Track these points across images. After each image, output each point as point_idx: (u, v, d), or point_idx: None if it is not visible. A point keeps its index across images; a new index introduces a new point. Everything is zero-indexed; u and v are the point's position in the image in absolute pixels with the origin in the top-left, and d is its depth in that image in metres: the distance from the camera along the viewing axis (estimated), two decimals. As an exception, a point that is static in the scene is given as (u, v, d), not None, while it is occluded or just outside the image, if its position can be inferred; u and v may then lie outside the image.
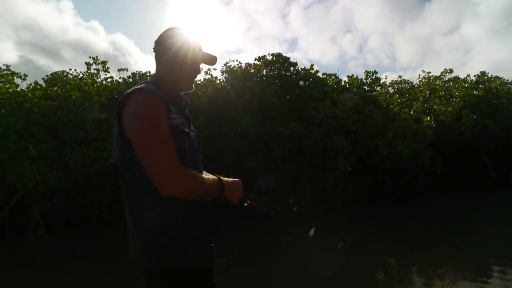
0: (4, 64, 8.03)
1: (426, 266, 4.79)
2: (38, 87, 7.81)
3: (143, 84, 1.02)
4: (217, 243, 1.13)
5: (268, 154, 8.58)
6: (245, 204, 1.19)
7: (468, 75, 14.51)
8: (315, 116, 8.87)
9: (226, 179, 1.12)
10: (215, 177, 1.08)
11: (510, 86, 14.08)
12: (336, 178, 9.41)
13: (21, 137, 6.18)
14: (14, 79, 7.68)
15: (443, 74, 15.20)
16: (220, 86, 8.91)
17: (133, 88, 0.99)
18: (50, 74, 9.16)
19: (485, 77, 13.70)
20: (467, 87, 12.85)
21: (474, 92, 12.38)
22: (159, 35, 1.15)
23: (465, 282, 4.13)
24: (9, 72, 7.72)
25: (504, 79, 14.38)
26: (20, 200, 6.62)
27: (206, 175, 1.07)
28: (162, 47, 1.11)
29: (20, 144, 6.07)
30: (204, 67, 10.76)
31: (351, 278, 4.30)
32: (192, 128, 1.17)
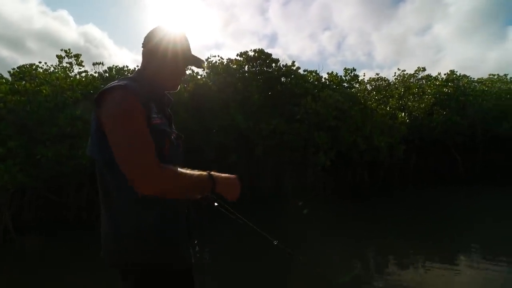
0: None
1: (403, 256, 5.08)
2: (4, 81, 7.30)
3: (123, 81, 1.00)
4: (213, 243, 1.12)
5: (251, 149, 8.62)
6: (216, 204, 1.12)
7: (439, 73, 15.32)
8: (296, 112, 9.01)
9: (218, 174, 1.07)
10: (204, 172, 1.04)
11: (476, 84, 15.05)
12: (316, 173, 9.65)
13: (-14, 134, 5.78)
14: (-24, 72, 7.11)
15: (417, 72, 15.94)
16: (201, 82, 8.80)
17: (112, 84, 0.97)
18: (17, 67, 8.58)
19: (454, 76, 14.53)
20: (438, 84, 13.58)
21: (444, 89, 13.11)
22: (150, 31, 1.13)
23: (441, 269, 4.42)
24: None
25: (471, 78, 15.36)
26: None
27: (192, 171, 1.03)
28: (153, 45, 1.09)
29: (-15, 141, 5.68)
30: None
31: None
32: (173, 127, 1.16)
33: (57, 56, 8.71)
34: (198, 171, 1.05)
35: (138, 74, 1.11)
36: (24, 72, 8.38)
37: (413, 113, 12.36)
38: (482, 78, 15.82)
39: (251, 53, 9.88)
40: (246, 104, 8.80)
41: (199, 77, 9.33)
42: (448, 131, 12.08)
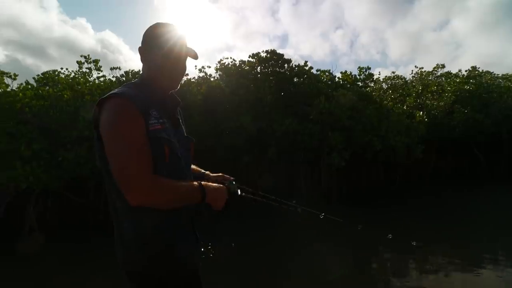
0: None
1: (421, 260, 4.90)
2: (29, 87, 7.68)
3: (121, 88, 1.00)
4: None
5: (264, 150, 8.61)
6: (239, 193, 1.17)
7: (460, 70, 14.73)
8: (309, 112, 8.92)
9: (209, 184, 1.07)
10: (195, 183, 1.03)
11: (500, 80, 14.32)
12: (331, 174, 9.50)
13: (13, 137, 6.09)
14: (4, 79, 7.54)
15: (436, 69, 15.38)
16: (214, 84, 8.89)
17: (109, 93, 0.96)
18: (41, 74, 9.02)
19: (476, 72, 13.90)
20: (459, 82, 13.03)
21: (466, 87, 12.56)
22: (145, 31, 1.09)
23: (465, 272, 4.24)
24: (-2, 72, 7.57)
25: (494, 74, 14.63)
26: (14, 201, 6.54)
27: (185, 182, 1.01)
28: (154, 44, 1.05)
29: (12, 145, 5.99)
30: (198, 65, 10.65)
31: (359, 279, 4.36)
32: (183, 129, 1.15)
33: (77, 62, 9.06)
34: (191, 181, 1.04)
35: (140, 79, 1.10)
36: (48, 78, 8.79)
37: (432, 112, 11.92)
38: (507, 74, 15.04)
39: (263, 54, 9.89)
40: (258, 105, 8.81)
41: (212, 79, 9.44)
42: (470, 130, 11.55)
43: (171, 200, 0.96)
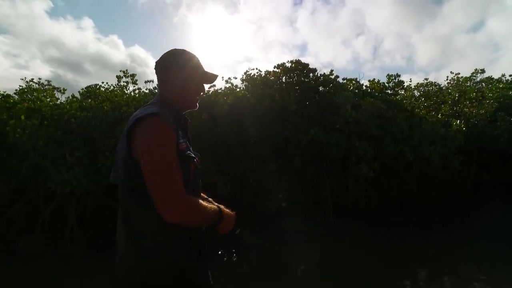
0: (46, 80, 8.87)
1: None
2: (75, 99, 8.50)
3: (154, 108, 1.04)
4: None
5: (289, 159, 8.59)
6: (237, 232, 1.25)
7: (503, 75, 13.62)
8: (336, 121, 8.78)
9: (225, 210, 1.15)
10: (216, 207, 1.11)
11: (552, 85, 12.96)
12: (358, 184, 9.18)
13: (60, 145, 6.74)
14: (54, 93, 8.43)
15: (474, 74, 14.38)
16: (240, 94, 9.12)
17: (146, 112, 1.00)
18: (85, 88, 9.94)
19: (523, 77, 12.76)
20: (502, 87, 12.04)
21: (511, 92, 11.58)
22: (163, 56, 1.15)
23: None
24: (51, 87, 8.49)
25: (544, 78, 13.30)
26: (58, 204, 7.17)
27: (208, 204, 1.09)
28: (173, 67, 1.12)
29: (59, 152, 6.63)
30: (225, 76, 11.03)
31: None
32: (190, 148, 1.19)
33: (117, 76, 9.87)
34: (211, 204, 1.12)
35: (161, 99, 1.14)
36: (90, 92, 9.66)
37: (471, 120, 11.09)
38: (559, 78, 13.58)
39: (288, 65, 9.99)
40: (284, 114, 8.86)
41: (238, 90, 9.71)
42: (516, 140, 10.54)
43: (200, 220, 1.03)
